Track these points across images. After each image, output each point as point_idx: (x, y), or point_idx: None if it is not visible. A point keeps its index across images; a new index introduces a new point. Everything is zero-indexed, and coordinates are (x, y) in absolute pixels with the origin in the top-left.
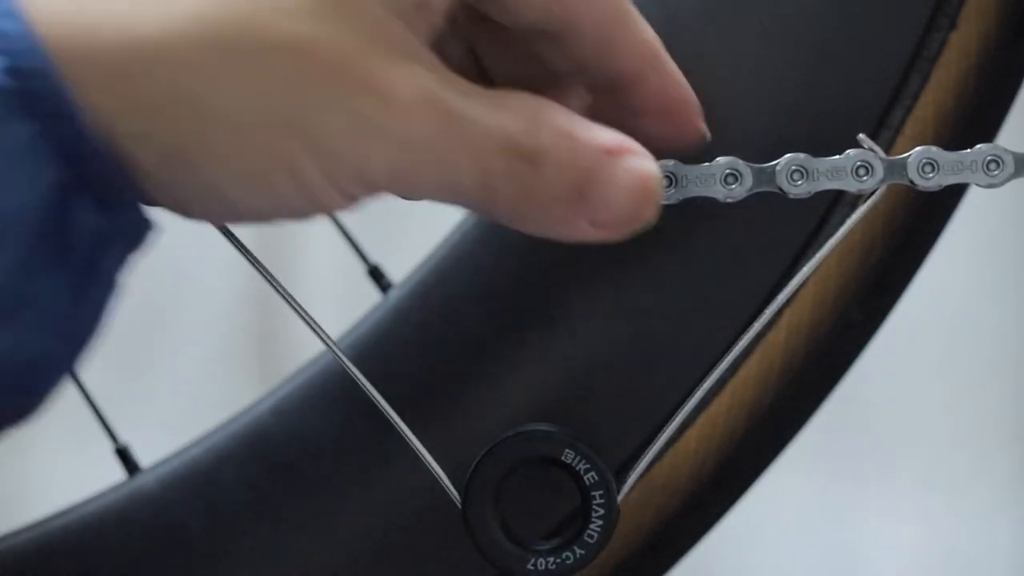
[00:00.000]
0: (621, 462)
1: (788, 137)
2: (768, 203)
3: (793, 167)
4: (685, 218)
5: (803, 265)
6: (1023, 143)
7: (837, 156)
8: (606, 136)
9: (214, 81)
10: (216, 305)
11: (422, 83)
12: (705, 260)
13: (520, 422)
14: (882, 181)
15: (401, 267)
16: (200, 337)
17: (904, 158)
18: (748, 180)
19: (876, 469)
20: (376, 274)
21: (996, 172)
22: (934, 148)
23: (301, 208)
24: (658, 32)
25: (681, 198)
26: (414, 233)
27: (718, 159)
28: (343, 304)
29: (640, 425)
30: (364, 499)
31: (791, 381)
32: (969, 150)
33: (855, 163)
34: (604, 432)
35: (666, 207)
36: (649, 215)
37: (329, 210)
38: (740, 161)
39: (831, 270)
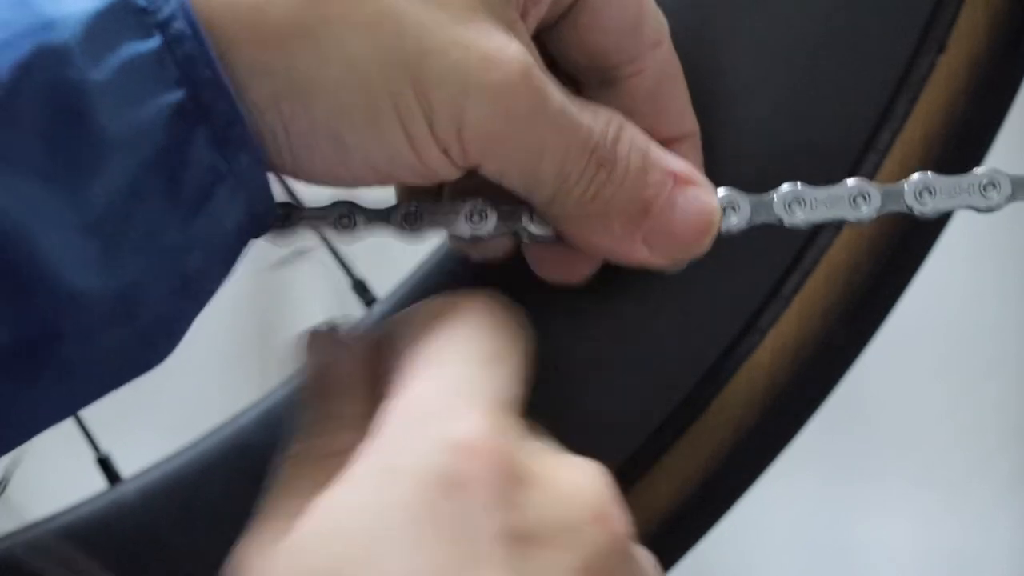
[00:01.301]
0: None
1: (776, 159)
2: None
3: (791, 198)
4: None
5: (787, 289)
6: (1020, 153)
7: (834, 185)
8: (677, 163)
9: (333, 18)
10: (215, 307)
11: (523, 58)
12: (683, 287)
13: None
14: (879, 209)
15: (387, 281)
16: (199, 339)
17: (900, 185)
18: (746, 211)
19: (876, 469)
20: (361, 288)
21: (993, 195)
22: (930, 174)
23: (407, 160)
24: None
25: None
26: (399, 248)
27: (718, 190)
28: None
29: (622, 443)
30: None
31: (776, 400)
32: (965, 174)
33: (852, 193)
34: (590, 440)
35: None
36: (703, 248)
37: (433, 170)
38: (738, 192)
39: (816, 290)
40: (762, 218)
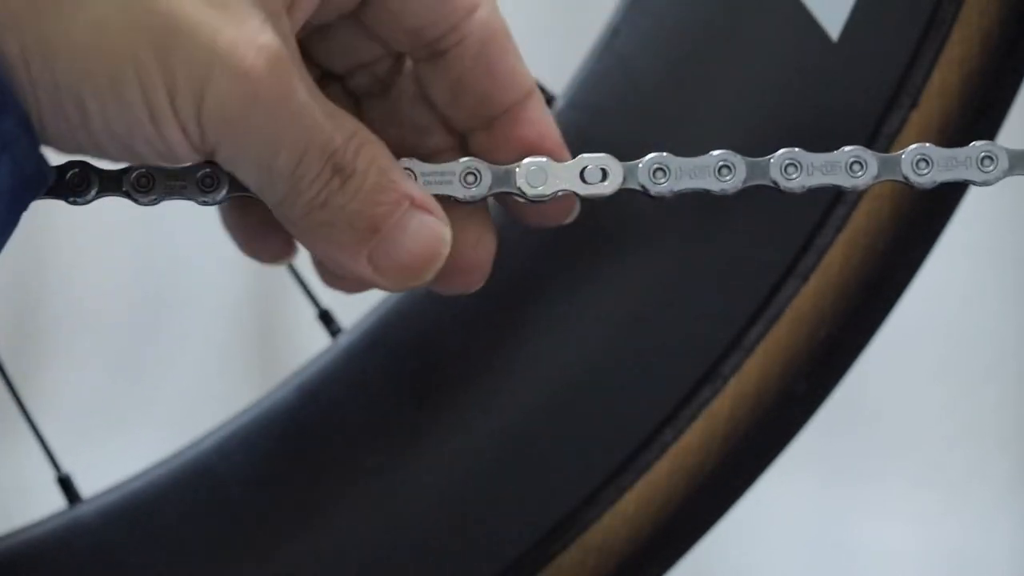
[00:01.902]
0: (567, 512)
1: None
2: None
3: (787, 161)
4: (637, 279)
5: (750, 338)
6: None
7: (831, 152)
8: (416, 188)
9: None
10: (216, 305)
11: (274, 47)
12: (646, 329)
13: (465, 470)
14: (876, 177)
15: (353, 311)
16: (200, 337)
17: (898, 154)
18: (742, 172)
19: (876, 470)
20: (326, 318)
21: (991, 168)
22: (928, 145)
23: (146, 132)
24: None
25: (675, 190)
26: None
27: (712, 152)
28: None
29: (579, 485)
30: (303, 541)
31: (733, 449)
32: (963, 147)
33: (849, 159)
34: (549, 481)
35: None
36: (427, 277)
37: (172, 149)
38: (734, 154)
39: (779, 341)
40: (758, 180)
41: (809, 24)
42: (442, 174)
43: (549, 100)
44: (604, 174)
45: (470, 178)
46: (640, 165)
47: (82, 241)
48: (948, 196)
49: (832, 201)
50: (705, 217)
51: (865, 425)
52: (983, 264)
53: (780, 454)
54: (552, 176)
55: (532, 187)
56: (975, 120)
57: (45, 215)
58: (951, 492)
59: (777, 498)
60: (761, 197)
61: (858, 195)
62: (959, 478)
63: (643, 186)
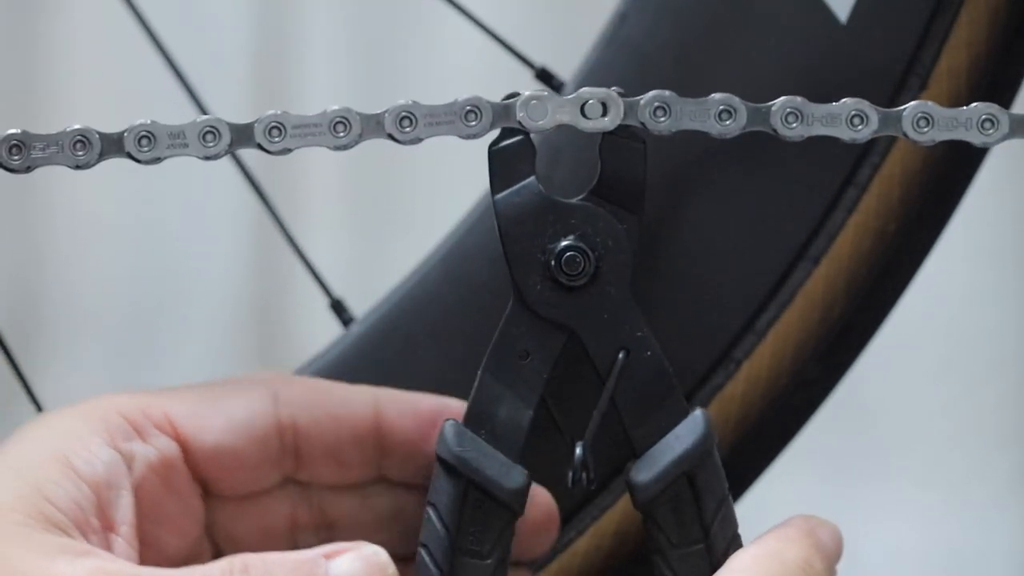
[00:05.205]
0: (585, 499)
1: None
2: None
3: (789, 109)
4: (649, 266)
5: (762, 322)
6: None
7: (833, 104)
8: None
9: None
10: (219, 302)
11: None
12: (660, 316)
13: None
14: (876, 132)
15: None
16: (204, 334)
17: (900, 110)
18: (742, 117)
19: (876, 470)
20: (338, 308)
21: (991, 131)
22: (930, 103)
23: None
24: None
25: (675, 129)
26: (379, 268)
27: (713, 95)
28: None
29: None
30: None
31: (746, 433)
32: (965, 107)
33: (850, 111)
34: (556, 475)
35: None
36: None
37: None
38: (736, 99)
39: (792, 325)
40: (758, 126)
41: (818, 6)
42: (443, 115)
43: (558, 86)
44: (605, 108)
45: (471, 116)
46: (642, 102)
47: (82, 239)
48: (957, 179)
49: (842, 184)
50: (715, 199)
51: (866, 425)
52: (983, 264)
53: (793, 438)
54: (553, 110)
55: (533, 120)
56: (982, 100)
57: (45, 214)
58: (951, 492)
59: (777, 498)
60: (770, 180)
61: (868, 178)
62: (959, 478)
63: (643, 123)
